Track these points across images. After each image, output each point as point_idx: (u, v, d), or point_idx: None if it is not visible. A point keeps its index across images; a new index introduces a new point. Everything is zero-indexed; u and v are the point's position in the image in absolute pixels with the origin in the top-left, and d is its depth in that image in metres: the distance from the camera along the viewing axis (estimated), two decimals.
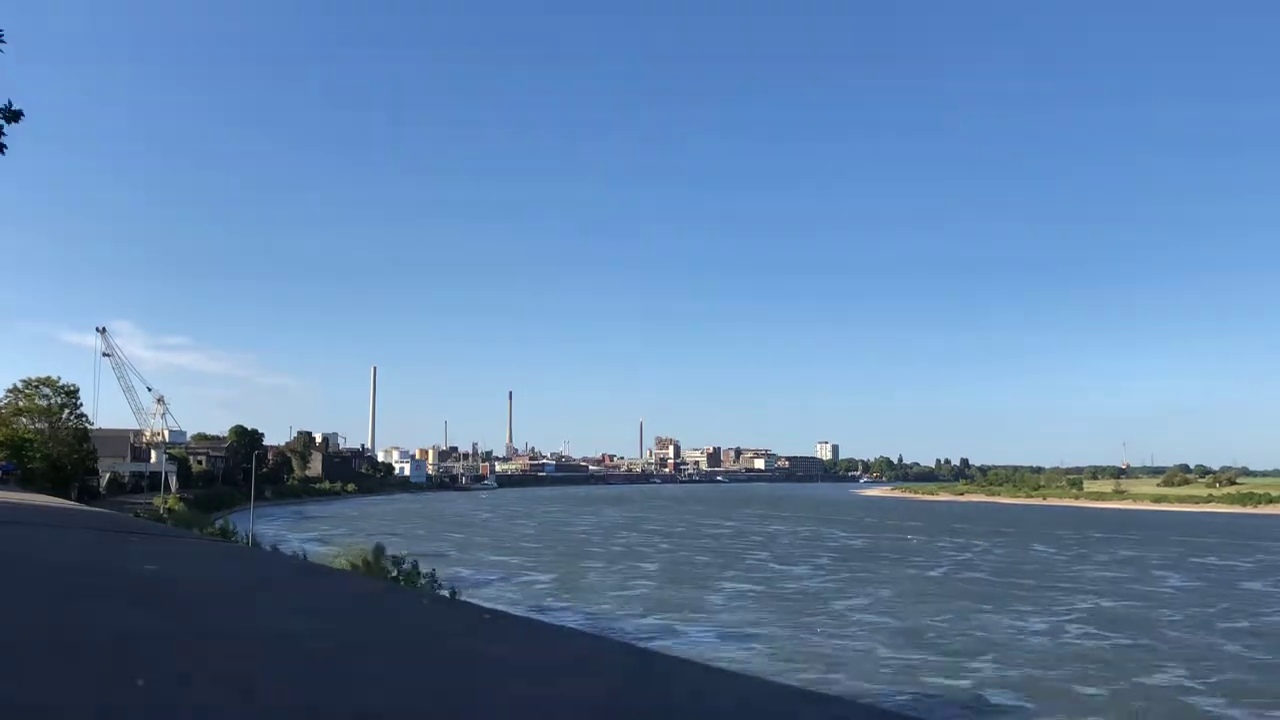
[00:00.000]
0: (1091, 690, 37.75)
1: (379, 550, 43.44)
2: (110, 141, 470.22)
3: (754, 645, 45.62)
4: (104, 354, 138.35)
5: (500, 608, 6.55)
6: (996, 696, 36.78)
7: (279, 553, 40.64)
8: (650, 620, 52.27)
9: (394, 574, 39.80)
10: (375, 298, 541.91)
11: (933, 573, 79.18)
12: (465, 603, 9.98)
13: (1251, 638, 49.17)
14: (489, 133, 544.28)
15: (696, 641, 45.95)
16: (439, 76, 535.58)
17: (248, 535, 71.39)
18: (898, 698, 35.34)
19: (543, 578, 72.13)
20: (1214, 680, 39.65)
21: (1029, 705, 35.55)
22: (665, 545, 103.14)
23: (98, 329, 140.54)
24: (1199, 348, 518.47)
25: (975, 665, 42.07)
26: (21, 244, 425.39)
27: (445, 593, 36.27)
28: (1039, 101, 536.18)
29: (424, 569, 43.11)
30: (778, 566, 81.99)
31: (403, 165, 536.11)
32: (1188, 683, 39.36)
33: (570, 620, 47.41)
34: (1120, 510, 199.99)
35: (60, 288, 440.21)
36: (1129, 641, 48.00)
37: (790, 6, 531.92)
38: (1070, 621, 53.93)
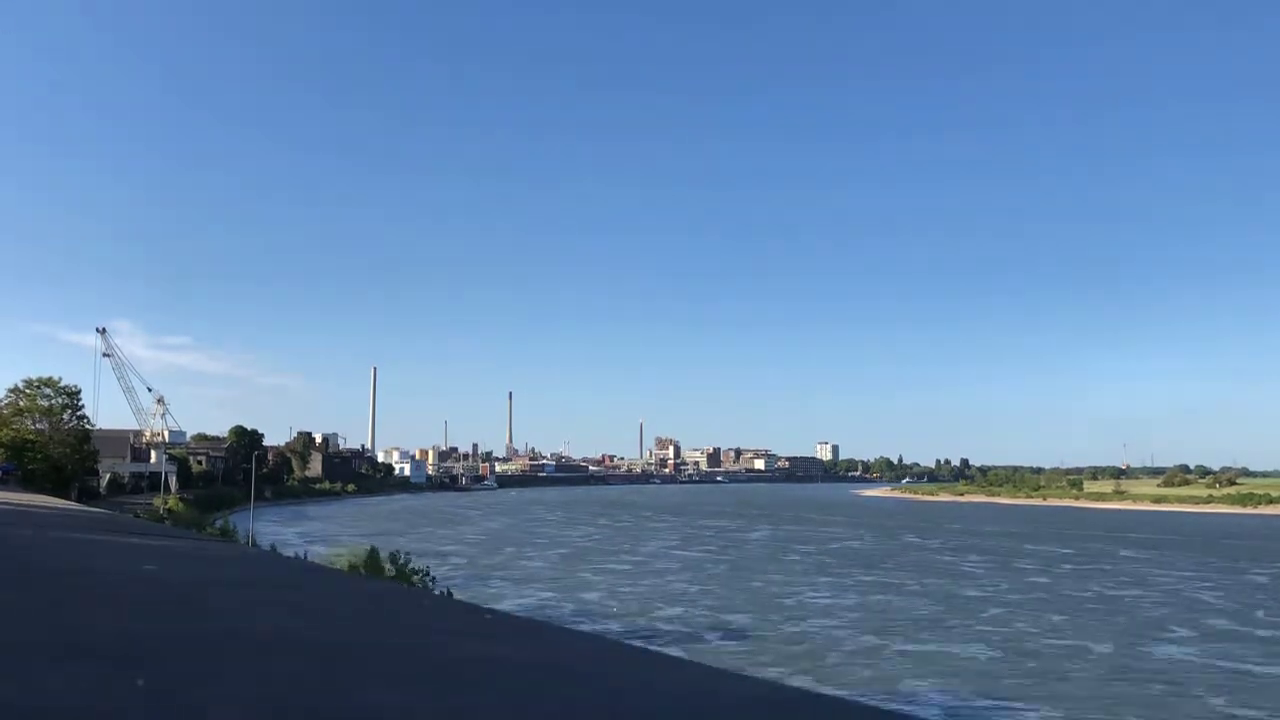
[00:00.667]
0: None
1: (379, 550, 43.46)
2: (110, 142, 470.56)
3: None
4: (104, 354, 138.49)
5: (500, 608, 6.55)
6: None
7: (279, 553, 40.63)
8: None
9: (394, 574, 39.83)
10: (375, 298, 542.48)
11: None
12: (465, 603, 9.97)
13: None
14: (488, 133, 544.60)
15: None
16: (438, 77, 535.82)
17: (248, 535, 71.40)
18: None
19: None
20: None
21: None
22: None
23: (98, 329, 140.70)
24: (1199, 348, 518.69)
25: None
26: (22, 244, 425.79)
27: (445, 592, 36.27)
28: (1040, 103, 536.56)
29: (422, 567, 43.17)
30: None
31: (402, 165, 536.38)
32: None
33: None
34: (1122, 511, 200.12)
35: (61, 287, 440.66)
36: None
37: (792, 8, 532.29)
38: None
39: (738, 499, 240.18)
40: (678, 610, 55.44)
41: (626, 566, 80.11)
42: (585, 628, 43.46)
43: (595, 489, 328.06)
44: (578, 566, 79.50)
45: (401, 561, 42.61)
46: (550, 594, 61.98)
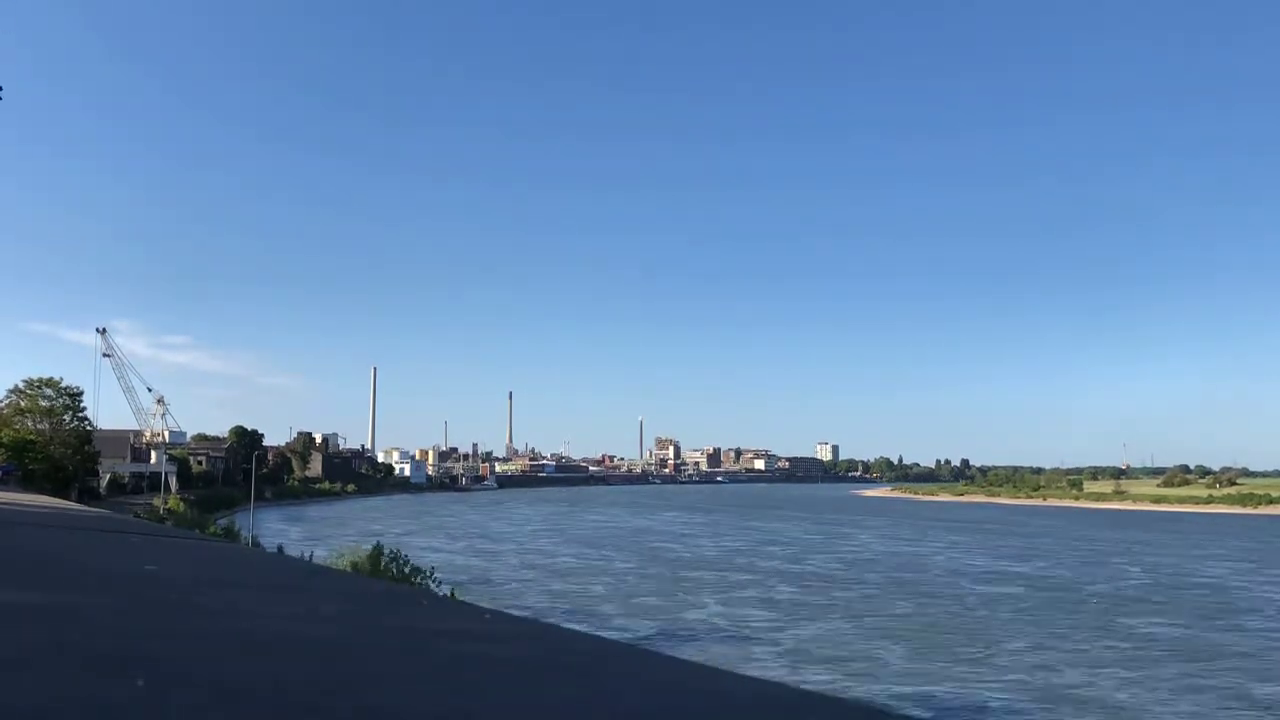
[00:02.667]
0: None
1: (379, 550, 43.40)
2: (111, 142, 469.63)
3: None
4: (104, 354, 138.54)
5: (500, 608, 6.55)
6: None
7: (279, 553, 40.64)
8: None
9: (395, 574, 39.80)
10: (375, 298, 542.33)
11: None
12: (465, 603, 9.98)
13: None
14: (488, 133, 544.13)
15: None
16: (438, 77, 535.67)
17: (247, 536, 71.41)
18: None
19: None
20: None
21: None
22: None
23: (98, 329, 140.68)
24: (1199, 348, 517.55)
25: None
26: (22, 243, 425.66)
27: (445, 592, 36.27)
28: (1040, 103, 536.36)
29: (423, 567, 43.12)
30: None
31: (402, 166, 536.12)
32: None
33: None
34: (1122, 511, 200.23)
35: (61, 287, 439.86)
36: None
37: (795, 9, 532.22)
38: None
39: (766, 498, 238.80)
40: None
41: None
42: (585, 627, 43.50)
43: (595, 489, 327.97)
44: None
45: (402, 561, 42.57)
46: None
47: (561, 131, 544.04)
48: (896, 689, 35.95)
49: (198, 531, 42.26)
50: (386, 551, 43.31)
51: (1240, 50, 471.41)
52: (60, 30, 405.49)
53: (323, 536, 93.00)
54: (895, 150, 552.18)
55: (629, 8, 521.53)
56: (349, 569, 35.32)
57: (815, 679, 36.33)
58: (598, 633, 33.24)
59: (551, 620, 40.98)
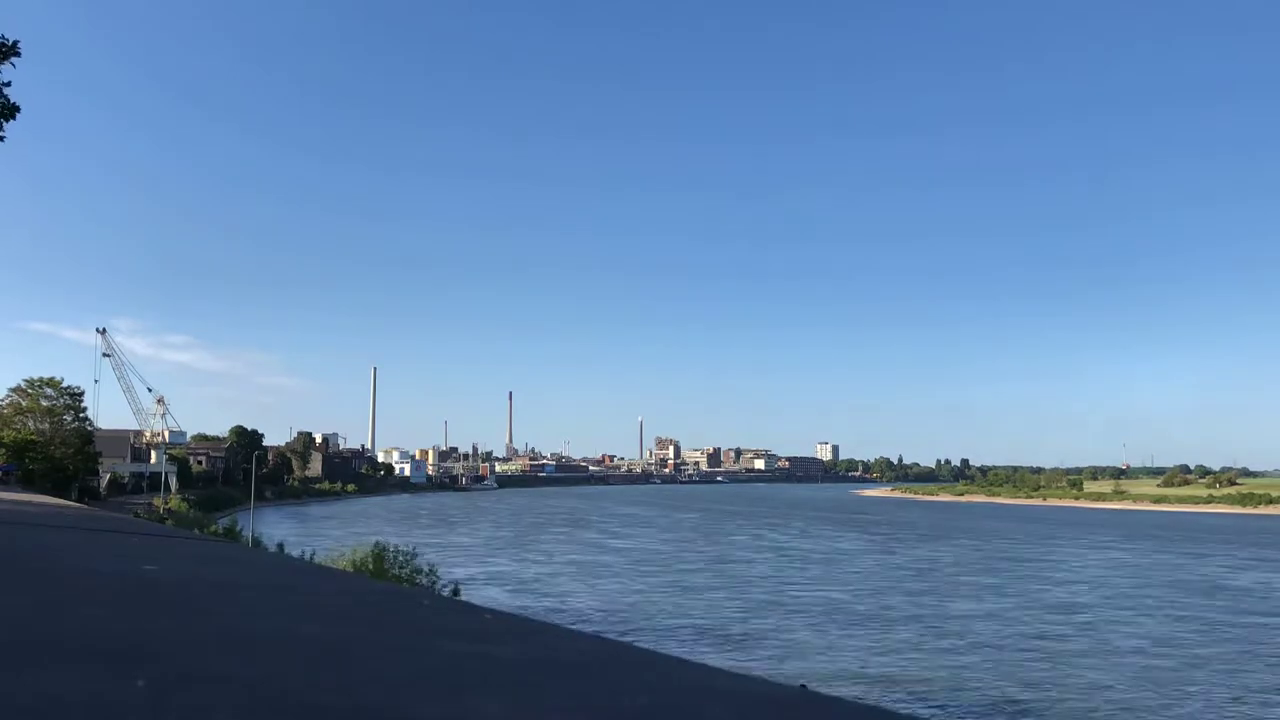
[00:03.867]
0: None
1: (380, 550, 43.39)
2: (112, 143, 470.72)
3: None
4: (104, 354, 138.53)
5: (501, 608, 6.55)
6: None
7: (279, 553, 40.63)
8: None
9: (395, 574, 39.79)
10: (375, 298, 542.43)
11: None
12: (465, 603, 9.98)
13: None
14: (488, 134, 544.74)
15: None
16: (438, 78, 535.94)
17: (248, 536, 71.42)
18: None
19: None
20: None
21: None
22: None
23: (98, 329, 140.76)
24: (1199, 348, 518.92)
25: None
26: (23, 243, 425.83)
27: (446, 592, 36.32)
28: (1042, 105, 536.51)
29: (424, 567, 43.14)
30: None
31: (402, 165, 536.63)
32: None
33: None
34: (1122, 511, 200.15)
35: (62, 286, 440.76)
36: None
37: (795, 9, 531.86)
38: None
39: (787, 499, 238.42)
40: None
41: None
42: (585, 628, 43.51)
43: (595, 489, 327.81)
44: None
45: (402, 561, 42.57)
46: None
47: (562, 131, 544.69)
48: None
49: (198, 531, 42.26)
50: (389, 551, 43.32)
51: (1241, 50, 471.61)
52: (60, 30, 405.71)
53: (323, 536, 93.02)
54: (895, 150, 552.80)
55: (629, 7, 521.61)
56: (349, 568, 35.32)
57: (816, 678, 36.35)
58: (598, 633, 33.21)
59: (552, 620, 40.95)
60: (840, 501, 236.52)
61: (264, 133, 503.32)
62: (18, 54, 12.33)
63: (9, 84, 12.47)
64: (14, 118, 12.59)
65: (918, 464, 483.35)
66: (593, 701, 2.44)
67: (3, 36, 12.26)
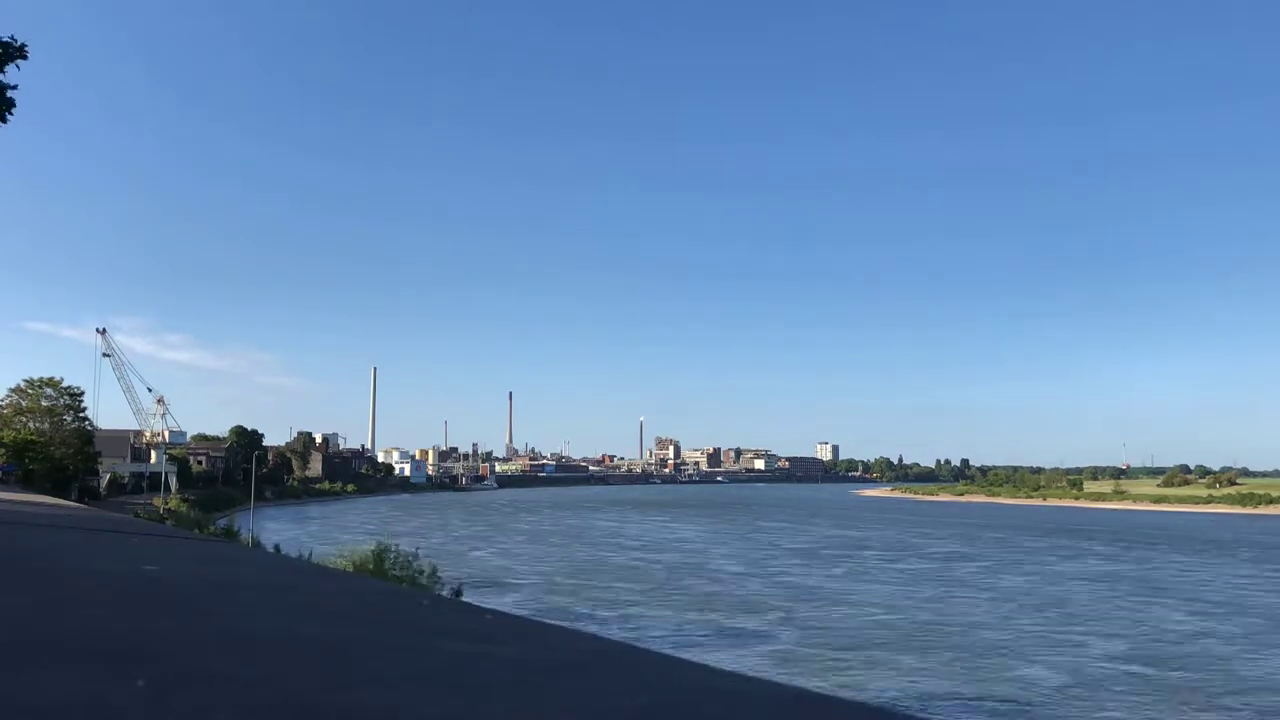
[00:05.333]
0: None
1: (380, 550, 43.32)
2: (114, 143, 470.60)
3: None
4: (104, 354, 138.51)
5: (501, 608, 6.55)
6: None
7: (279, 553, 40.62)
8: None
9: (395, 574, 39.73)
10: (375, 298, 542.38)
11: None
12: (465, 603, 9.97)
13: None
14: (489, 133, 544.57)
15: None
16: (439, 77, 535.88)
17: (248, 536, 71.38)
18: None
19: None
20: None
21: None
22: None
23: (98, 329, 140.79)
24: (1199, 348, 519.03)
25: None
26: (23, 242, 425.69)
27: (447, 592, 36.25)
28: (1043, 105, 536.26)
29: (425, 567, 43.05)
30: None
31: (403, 165, 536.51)
32: None
33: None
34: (1121, 511, 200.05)
35: (62, 286, 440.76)
36: None
37: (795, 9, 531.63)
38: None
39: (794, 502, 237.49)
40: None
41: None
42: (586, 628, 43.50)
43: (594, 489, 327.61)
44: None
45: (403, 561, 42.49)
46: None
47: (562, 131, 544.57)
48: None
49: (198, 531, 42.24)
50: (389, 551, 43.23)
51: (1241, 50, 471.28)
52: (61, 29, 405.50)
53: (323, 536, 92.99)
54: (895, 151, 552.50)
55: (629, 7, 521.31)
56: (349, 569, 35.29)
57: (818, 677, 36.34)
58: (598, 633, 33.17)
59: (552, 620, 40.89)
60: (874, 504, 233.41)
61: (264, 132, 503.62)
62: (24, 56, 12.28)
63: (15, 87, 12.42)
64: (10, 112, 12.53)
65: (918, 464, 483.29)
66: (593, 701, 2.44)
67: (11, 37, 12.22)
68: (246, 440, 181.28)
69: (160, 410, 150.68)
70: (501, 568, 77.36)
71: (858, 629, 49.68)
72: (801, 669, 39.18)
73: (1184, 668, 41.43)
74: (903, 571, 79.01)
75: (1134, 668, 41.18)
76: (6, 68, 12.15)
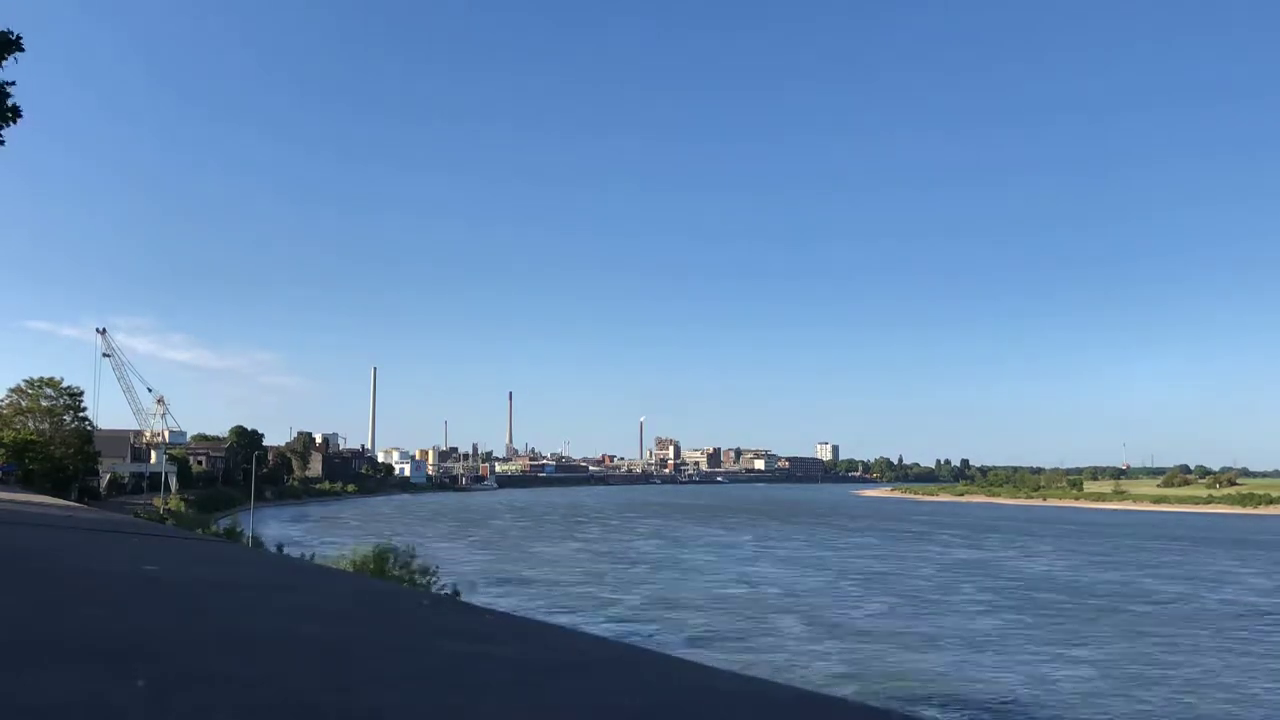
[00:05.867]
0: None
1: (380, 550, 43.36)
2: (115, 143, 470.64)
3: None
4: (104, 354, 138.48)
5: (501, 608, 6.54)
6: None
7: (279, 553, 40.62)
8: None
9: (396, 574, 39.76)
10: (375, 298, 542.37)
11: None
12: (465, 603, 9.97)
13: None
14: (489, 133, 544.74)
15: None
16: (439, 76, 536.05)
17: (249, 536, 71.41)
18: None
19: None
20: None
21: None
22: None
23: (98, 330, 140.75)
24: (1199, 348, 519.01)
25: None
26: (24, 243, 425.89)
27: (447, 593, 36.25)
28: (1043, 105, 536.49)
29: (425, 567, 43.08)
30: None
31: (403, 165, 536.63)
32: None
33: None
34: (1121, 511, 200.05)
35: (62, 285, 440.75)
36: None
37: (796, 8, 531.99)
38: None
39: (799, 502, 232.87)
40: None
41: None
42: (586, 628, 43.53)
43: (594, 489, 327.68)
44: None
45: (403, 561, 42.53)
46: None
47: (562, 130, 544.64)
48: None
49: (198, 531, 42.24)
50: (390, 551, 43.27)
51: (1241, 50, 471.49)
52: (61, 29, 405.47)
53: (323, 536, 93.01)
54: (895, 151, 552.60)
55: (629, 7, 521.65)
56: (350, 569, 35.30)
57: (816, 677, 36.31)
58: (598, 633, 33.21)
59: (552, 620, 40.94)
60: (875, 506, 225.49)
61: (264, 132, 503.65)
62: (20, 49, 12.17)
63: (13, 83, 12.32)
64: (15, 121, 12.47)
65: (918, 464, 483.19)
66: (593, 701, 2.44)
67: (6, 29, 12.05)
68: (246, 440, 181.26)
69: (160, 410, 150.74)
70: None
71: None
72: None
73: None
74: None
75: None
76: (4, 64, 12.07)
